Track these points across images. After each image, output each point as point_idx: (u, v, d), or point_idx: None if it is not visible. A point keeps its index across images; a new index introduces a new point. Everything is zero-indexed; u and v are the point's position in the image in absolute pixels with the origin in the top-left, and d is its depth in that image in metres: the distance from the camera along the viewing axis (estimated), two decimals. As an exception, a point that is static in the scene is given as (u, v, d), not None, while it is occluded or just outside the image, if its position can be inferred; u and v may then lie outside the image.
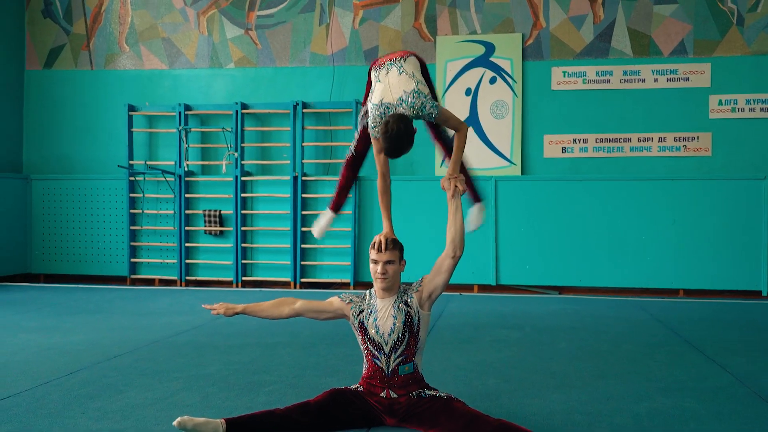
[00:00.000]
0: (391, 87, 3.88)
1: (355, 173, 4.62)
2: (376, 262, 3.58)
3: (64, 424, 3.50)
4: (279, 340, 5.67)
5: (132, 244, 9.73)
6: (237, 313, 3.77)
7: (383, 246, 3.59)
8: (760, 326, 6.62)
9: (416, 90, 3.83)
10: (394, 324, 3.56)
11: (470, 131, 9.36)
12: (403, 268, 3.68)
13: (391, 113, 3.79)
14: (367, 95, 4.22)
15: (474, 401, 3.83)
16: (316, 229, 4.76)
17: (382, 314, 3.59)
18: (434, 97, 4.04)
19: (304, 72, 9.76)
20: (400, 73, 3.89)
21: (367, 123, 4.03)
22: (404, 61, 4.00)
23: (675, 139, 8.97)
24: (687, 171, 8.92)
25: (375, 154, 4.01)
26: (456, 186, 3.76)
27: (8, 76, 10.07)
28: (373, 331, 3.58)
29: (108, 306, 7.55)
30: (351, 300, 3.70)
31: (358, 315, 3.64)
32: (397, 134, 3.66)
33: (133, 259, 9.74)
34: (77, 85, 10.20)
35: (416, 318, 3.60)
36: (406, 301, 3.61)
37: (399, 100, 3.81)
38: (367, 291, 3.74)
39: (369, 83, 4.20)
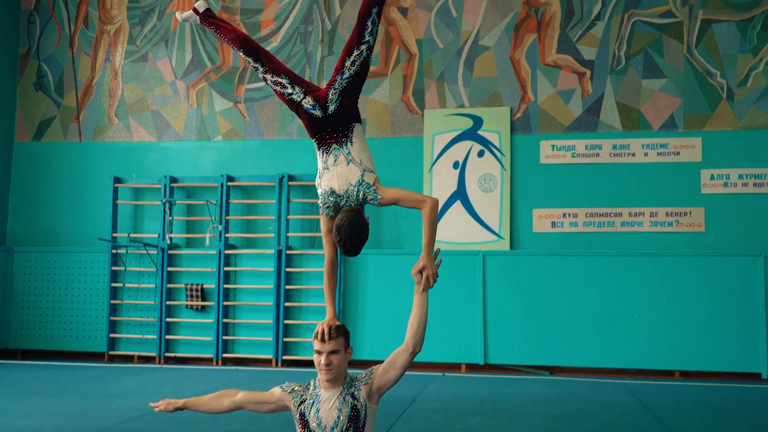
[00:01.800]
0: (338, 177, 3.84)
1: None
2: (319, 352, 3.39)
3: None
4: (236, 427, 5.38)
5: (112, 318, 9.51)
6: (178, 408, 3.59)
7: (326, 335, 3.40)
8: (756, 413, 6.22)
9: (360, 181, 3.80)
10: (339, 417, 3.33)
11: (458, 205, 9.19)
12: (349, 356, 3.48)
13: (341, 215, 3.70)
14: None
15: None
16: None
17: (326, 406, 3.37)
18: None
19: (291, 144, 9.69)
20: (348, 163, 3.82)
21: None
22: (351, 143, 3.87)
23: (667, 214, 8.72)
24: (680, 247, 8.64)
25: (323, 234, 3.87)
26: (428, 279, 3.56)
27: (-3, 148, 10.10)
28: (314, 424, 3.36)
29: (73, 386, 7.27)
30: (293, 389, 3.49)
31: (299, 405, 3.42)
32: (351, 242, 3.64)
33: (112, 335, 9.50)
34: (65, 157, 10.18)
35: (363, 412, 3.38)
36: (353, 393, 3.38)
37: (346, 194, 3.78)
38: (312, 380, 3.51)
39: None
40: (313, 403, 3.41)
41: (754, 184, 8.57)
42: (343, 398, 3.37)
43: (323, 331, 3.42)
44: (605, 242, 8.81)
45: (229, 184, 9.50)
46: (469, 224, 9.12)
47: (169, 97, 10.05)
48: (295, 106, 3.99)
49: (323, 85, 4.26)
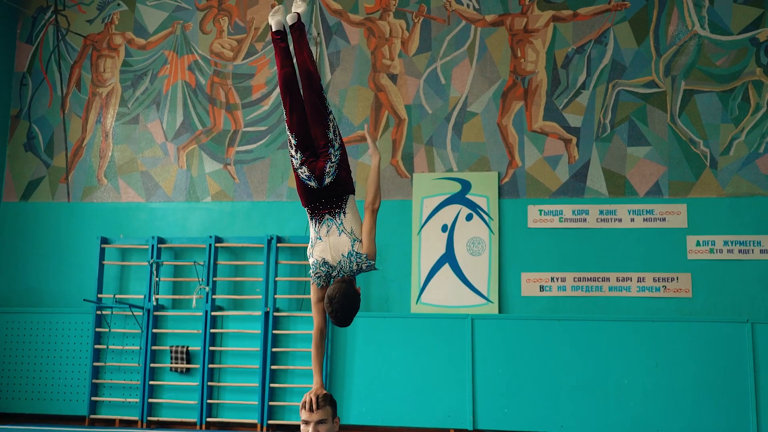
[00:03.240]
0: (331, 248, 3.92)
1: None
2: (307, 422, 3.37)
3: None
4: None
5: (94, 381, 9.33)
6: None
7: (314, 405, 3.39)
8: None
9: (351, 251, 3.84)
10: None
11: (446, 268, 9.22)
12: (336, 426, 3.46)
13: (333, 286, 3.74)
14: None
15: None
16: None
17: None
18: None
19: (280, 206, 9.72)
20: (340, 234, 3.88)
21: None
22: (344, 214, 3.92)
23: (654, 279, 8.78)
24: (668, 312, 8.68)
25: (313, 303, 3.88)
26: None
27: (-16, 208, 10.05)
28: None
29: (54, 452, 7.10)
30: None
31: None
32: (342, 314, 3.74)
33: (93, 398, 9.30)
34: (53, 217, 10.14)
35: None
36: None
37: (339, 265, 3.84)
38: (301, 452, 3.47)
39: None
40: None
41: (740, 251, 8.68)
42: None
43: (310, 400, 3.44)
44: (593, 306, 8.84)
45: (218, 245, 9.49)
46: (457, 287, 9.13)
47: (159, 159, 10.10)
48: (294, 168, 4.05)
49: None
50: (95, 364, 9.36)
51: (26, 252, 10.11)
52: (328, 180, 3.93)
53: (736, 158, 8.88)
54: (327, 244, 3.83)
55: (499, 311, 8.98)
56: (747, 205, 8.77)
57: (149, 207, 9.99)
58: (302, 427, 3.38)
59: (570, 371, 8.58)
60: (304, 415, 3.37)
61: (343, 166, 4.02)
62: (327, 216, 3.89)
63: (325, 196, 3.93)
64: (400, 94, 9.68)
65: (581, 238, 9.01)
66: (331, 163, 3.96)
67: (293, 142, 4.04)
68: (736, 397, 8.25)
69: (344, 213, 3.90)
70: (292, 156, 4.05)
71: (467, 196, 9.35)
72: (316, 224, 3.92)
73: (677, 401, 8.34)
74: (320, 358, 3.89)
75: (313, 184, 3.95)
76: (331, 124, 4.07)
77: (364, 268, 3.79)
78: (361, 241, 3.84)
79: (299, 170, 3.97)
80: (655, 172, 9.00)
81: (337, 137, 4.07)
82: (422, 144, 9.54)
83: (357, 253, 3.79)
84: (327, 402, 3.42)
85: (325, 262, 3.82)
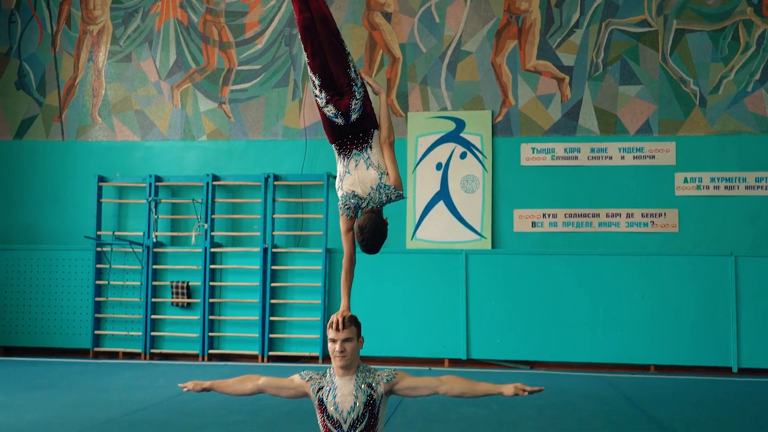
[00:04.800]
0: (360, 182, 4.06)
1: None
2: (333, 340, 3.56)
3: None
4: (239, 418, 5.51)
5: (96, 315, 9.54)
6: (205, 389, 3.74)
7: (340, 324, 3.57)
8: (729, 404, 6.56)
9: (380, 184, 3.99)
10: (355, 403, 3.51)
11: (441, 205, 9.43)
12: (361, 345, 3.66)
13: (363, 217, 3.94)
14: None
15: (432, 486, 3.71)
16: None
17: (342, 392, 3.54)
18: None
19: (276, 145, 9.82)
20: (368, 168, 4.02)
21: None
22: (370, 149, 4.06)
23: (642, 215, 9.07)
24: (655, 246, 9.00)
25: (342, 233, 4.05)
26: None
27: (-22, 146, 10.03)
28: (332, 408, 3.53)
29: (65, 381, 7.32)
30: (311, 377, 3.66)
31: (317, 392, 3.59)
32: (373, 242, 3.90)
33: (97, 332, 9.52)
34: (48, 155, 10.16)
35: (378, 401, 3.56)
36: (371, 384, 3.56)
37: (368, 197, 3.99)
38: (327, 369, 3.68)
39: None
40: (330, 390, 3.58)
41: (726, 187, 8.97)
42: (359, 386, 3.54)
43: (338, 321, 3.59)
44: (584, 242, 9.13)
45: (215, 183, 9.60)
46: (452, 224, 9.36)
47: (153, 98, 10.11)
48: (319, 108, 4.18)
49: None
50: (97, 299, 9.55)
51: (22, 190, 10.16)
52: (354, 116, 4.07)
53: (724, 96, 9.09)
54: (356, 177, 3.99)
55: (492, 246, 9.25)
56: (734, 143, 9.03)
57: (145, 145, 10.05)
58: (329, 345, 3.57)
59: (560, 303, 8.91)
60: (331, 333, 3.56)
61: (367, 103, 4.15)
62: (355, 151, 4.04)
63: (352, 132, 4.07)
64: (395, 33, 9.72)
65: (573, 176, 9.24)
66: (356, 100, 4.09)
67: (317, 83, 4.15)
68: (719, 326, 8.65)
69: (370, 147, 4.05)
70: (316, 96, 4.17)
71: (461, 134, 9.50)
72: (344, 159, 4.07)
73: (663, 331, 8.73)
74: (349, 283, 4.06)
75: (339, 121, 4.07)
76: (351, 64, 4.19)
77: (393, 198, 3.98)
78: (387, 174, 4.00)
79: (325, 109, 4.09)
80: (646, 110, 9.19)
81: (358, 76, 4.19)
82: (416, 83, 9.62)
83: (385, 185, 3.96)
84: (353, 323, 3.61)
85: (354, 195, 3.98)
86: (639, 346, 8.74)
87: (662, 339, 8.72)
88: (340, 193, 4.06)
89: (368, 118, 4.12)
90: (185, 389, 3.75)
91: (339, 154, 4.11)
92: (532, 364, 8.98)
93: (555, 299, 8.93)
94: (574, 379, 8.04)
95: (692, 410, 6.18)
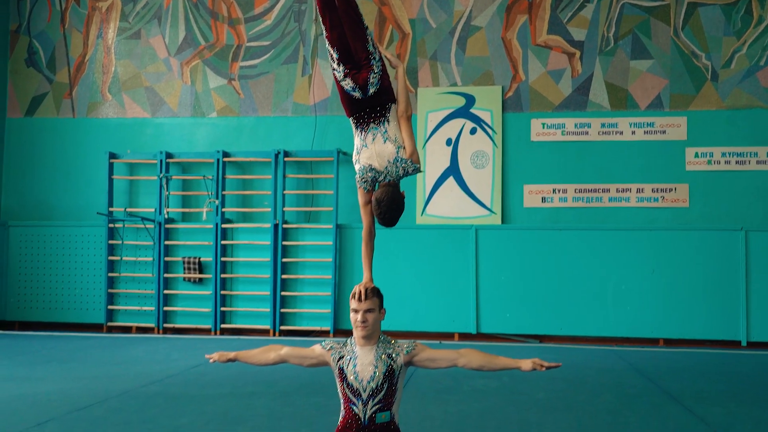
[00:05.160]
0: (377, 155, 4.07)
1: None
2: (356, 311, 3.60)
3: (27, 476, 3.41)
4: (254, 389, 5.59)
5: (109, 291, 9.63)
6: (230, 360, 3.80)
7: (363, 295, 3.61)
8: (738, 376, 6.61)
9: (396, 158, 4.00)
10: (375, 373, 3.55)
11: (450, 180, 9.45)
12: (383, 316, 3.70)
13: (381, 190, 3.96)
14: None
15: (449, 453, 3.78)
16: None
17: (362, 362, 3.59)
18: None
19: (286, 121, 9.84)
20: (385, 141, 4.04)
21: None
22: (388, 122, 4.07)
23: (653, 190, 9.07)
24: (665, 221, 9.02)
25: (361, 206, 4.08)
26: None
27: (-11, 123, 10.09)
28: (351, 378, 3.58)
29: (81, 354, 7.42)
30: (331, 347, 3.71)
31: (338, 361, 3.64)
32: (390, 215, 3.92)
33: (110, 306, 9.63)
34: (58, 132, 10.21)
35: (398, 372, 3.61)
36: (391, 355, 3.61)
37: (385, 170, 4.01)
38: (348, 339, 3.73)
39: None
40: (351, 359, 3.62)
41: (737, 162, 8.96)
42: (379, 356, 3.59)
43: (360, 291, 3.63)
44: (594, 217, 9.15)
45: (225, 159, 9.63)
46: (462, 199, 9.39)
47: (163, 74, 10.12)
48: (337, 81, 4.19)
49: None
50: (110, 274, 9.64)
51: (34, 167, 10.22)
52: (372, 90, 4.08)
53: (736, 71, 9.05)
54: (373, 151, 4.01)
55: (502, 222, 9.28)
56: (745, 118, 9.00)
57: (155, 122, 10.08)
58: (352, 315, 3.62)
59: (570, 278, 8.96)
60: (353, 304, 3.61)
61: (385, 76, 4.16)
62: (372, 125, 4.06)
63: (370, 106, 4.09)
64: (404, 8, 9.68)
65: (583, 151, 9.24)
66: (374, 74, 4.10)
67: (335, 56, 4.16)
68: (728, 300, 8.69)
69: (388, 121, 4.06)
70: (334, 69, 4.19)
71: (471, 110, 9.49)
72: (361, 133, 4.09)
73: (672, 304, 8.77)
74: (370, 254, 4.10)
75: (357, 94, 4.09)
76: (369, 37, 4.20)
77: (410, 172, 4.00)
78: (404, 147, 4.02)
79: (343, 82, 4.11)
80: (657, 85, 9.16)
81: (376, 49, 4.20)
82: (426, 58, 9.60)
83: (402, 159, 3.98)
84: (375, 294, 3.65)
85: (371, 168, 4.01)
86: (648, 320, 8.79)
87: (672, 313, 8.76)
88: (357, 167, 4.08)
89: (386, 92, 4.13)
90: (211, 360, 3.81)
91: (356, 128, 4.13)
92: (541, 339, 9.04)
93: (565, 274, 8.97)
94: (584, 352, 8.10)
95: (702, 382, 6.23)
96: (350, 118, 4.16)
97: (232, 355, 3.82)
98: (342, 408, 3.59)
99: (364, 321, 3.58)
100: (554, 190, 9.25)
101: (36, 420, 4.53)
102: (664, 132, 9.08)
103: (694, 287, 8.75)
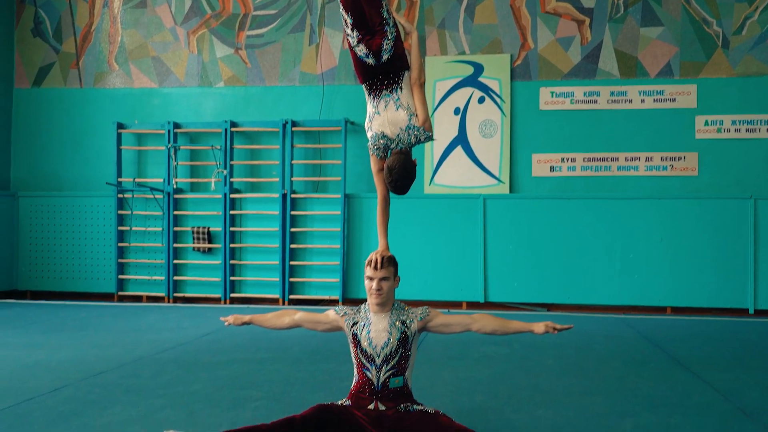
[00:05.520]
0: (389, 123, 4.06)
1: None
2: (371, 278, 3.64)
3: (47, 439, 3.47)
4: (267, 356, 5.65)
5: (120, 260, 9.70)
6: (245, 323, 3.87)
7: (379, 263, 3.65)
8: (746, 343, 6.65)
9: (409, 125, 3.99)
10: (389, 339, 3.60)
11: (459, 150, 9.44)
12: (397, 284, 3.75)
13: (392, 158, 3.95)
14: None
15: (461, 417, 3.83)
16: None
17: (376, 328, 3.63)
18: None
19: (293, 91, 9.81)
20: (397, 109, 4.02)
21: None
22: (401, 90, 4.05)
23: (662, 159, 9.05)
24: (674, 190, 9.00)
25: (374, 173, 4.09)
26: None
27: (-3, 94, 10.09)
28: (365, 344, 3.63)
29: (94, 323, 7.50)
30: (345, 313, 3.77)
31: (351, 327, 3.69)
32: (401, 182, 3.93)
33: (120, 276, 9.71)
34: (66, 103, 10.21)
35: (412, 338, 3.66)
36: (405, 321, 3.65)
37: (397, 138, 3.98)
38: (362, 305, 3.78)
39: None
40: (364, 325, 3.67)
41: (747, 130, 8.91)
42: (393, 323, 3.63)
43: (376, 259, 3.66)
44: (602, 186, 9.14)
45: (233, 129, 9.63)
46: (470, 169, 9.38)
47: (170, 44, 10.07)
48: (350, 47, 4.17)
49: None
50: (120, 244, 9.70)
51: (42, 138, 10.24)
52: (385, 56, 4.05)
53: (748, 38, 8.96)
54: (385, 118, 3.99)
55: (510, 191, 9.27)
56: (756, 85, 8.93)
57: (162, 92, 10.06)
58: (366, 282, 3.65)
59: (577, 247, 8.97)
60: (369, 272, 3.63)
61: (399, 43, 4.13)
62: (384, 92, 4.04)
63: (383, 73, 4.06)
64: (412, -25, 9.58)
65: (592, 120, 9.20)
66: (388, 40, 4.07)
67: (349, 21, 4.13)
68: (736, 268, 8.70)
69: (401, 88, 4.04)
70: (348, 35, 4.15)
71: (479, 78, 9.44)
72: (373, 100, 4.07)
73: (680, 273, 8.79)
74: (385, 222, 4.11)
75: (370, 61, 4.06)
76: (383, 3, 4.16)
77: (422, 139, 3.98)
78: (416, 115, 4.01)
79: (356, 48, 4.08)
80: (667, 52, 9.09)
81: (390, 15, 4.16)
82: (434, 26, 9.53)
83: (414, 126, 3.96)
84: (390, 263, 3.68)
85: (383, 135, 3.99)
86: (656, 289, 8.82)
87: (680, 281, 8.79)
88: (369, 134, 4.07)
89: (399, 59, 4.11)
90: (227, 323, 3.87)
91: (369, 95, 4.12)
92: (549, 307, 9.09)
93: (573, 243, 8.99)
94: (592, 320, 8.15)
95: (709, 349, 6.27)
96: (363, 85, 4.15)
97: (247, 318, 3.87)
98: (355, 373, 3.64)
99: (379, 289, 3.62)
100: (563, 159, 9.23)
101: (52, 386, 4.60)
102: (674, 100, 9.03)
103: (703, 255, 8.76)
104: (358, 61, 4.15)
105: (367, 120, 4.11)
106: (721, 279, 8.72)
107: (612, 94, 9.16)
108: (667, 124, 9.04)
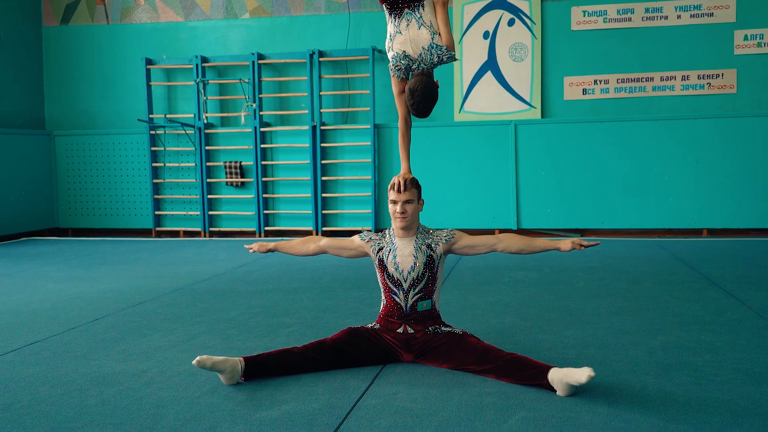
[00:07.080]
0: (411, 42, 3.97)
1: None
2: (395, 202, 3.63)
3: (89, 365, 3.61)
4: (299, 285, 5.75)
5: (155, 197, 9.86)
6: (269, 250, 3.90)
7: (402, 186, 3.63)
8: (783, 263, 6.56)
9: (431, 44, 3.90)
10: (415, 263, 3.61)
11: (488, 75, 9.28)
12: (421, 207, 3.73)
13: (414, 79, 3.87)
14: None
15: (490, 337, 3.88)
16: None
17: (402, 252, 3.64)
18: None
19: (319, 20, 9.68)
20: (420, 27, 3.93)
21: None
22: (423, 8, 3.96)
23: (699, 77, 8.79)
24: (711, 109, 8.77)
25: (396, 96, 4.03)
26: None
27: (26, 34, 10.12)
28: (392, 269, 3.64)
29: (133, 257, 7.69)
30: (371, 238, 3.77)
31: (377, 252, 3.71)
32: (423, 105, 3.85)
33: (157, 212, 9.88)
34: (94, 40, 10.23)
35: (437, 261, 3.66)
36: (430, 245, 3.65)
37: (419, 57, 3.92)
38: (386, 230, 3.78)
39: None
40: (390, 250, 3.68)
41: (788, 43, 8.59)
42: (419, 247, 3.63)
43: (399, 182, 3.63)
44: (636, 107, 8.94)
45: (260, 62, 9.57)
46: (500, 94, 9.23)
47: (193, -24, 9.95)
48: None
49: None
50: (155, 180, 9.83)
51: (72, 76, 10.31)
52: None
53: (791, -54, 8.55)
54: (407, 37, 3.91)
55: (542, 116, 9.13)
56: (799, -4, 8.56)
57: (189, 26, 10.00)
58: (390, 206, 3.64)
59: (611, 171, 8.85)
60: (392, 195, 3.62)
61: None
62: (406, 10, 3.95)
63: None
64: None
65: (625, 39, 8.93)
66: None
67: None
68: (775, 187, 8.52)
69: (422, 7, 3.94)
70: None
71: (509, 0, 9.19)
72: (395, 19, 3.99)
73: (716, 194, 8.65)
74: (407, 145, 4.07)
75: None
76: None
77: (444, 59, 3.90)
78: (439, 34, 3.92)
79: None
80: (705, -35, 8.72)
81: None
82: (461, -53, 9.25)
83: (437, 45, 3.87)
84: (414, 185, 3.66)
85: (405, 55, 3.92)
86: (691, 211, 8.71)
87: (715, 203, 8.65)
88: (390, 54, 4.00)
89: None
90: (251, 250, 3.92)
91: (390, 14, 4.03)
92: (582, 233, 9.05)
93: (606, 167, 8.86)
94: (625, 243, 8.10)
95: (744, 268, 6.21)
96: (383, 4, 4.07)
97: (271, 245, 3.91)
98: (383, 297, 3.68)
99: (403, 212, 3.61)
100: (595, 81, 9.02)
101: (94, 315, 4.75)
102: (711, 15, 8.70)
103: (739, 176, 8.59)
104: None
105: (387, 40, 4.03)
106: (758, 199, 8.55)
107: (646, 10, 8.85)
108: (704, 41, 8.74)
